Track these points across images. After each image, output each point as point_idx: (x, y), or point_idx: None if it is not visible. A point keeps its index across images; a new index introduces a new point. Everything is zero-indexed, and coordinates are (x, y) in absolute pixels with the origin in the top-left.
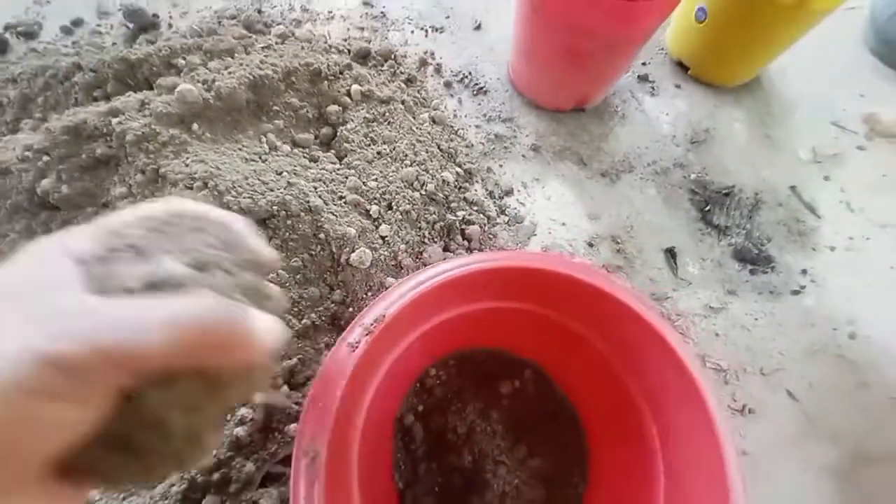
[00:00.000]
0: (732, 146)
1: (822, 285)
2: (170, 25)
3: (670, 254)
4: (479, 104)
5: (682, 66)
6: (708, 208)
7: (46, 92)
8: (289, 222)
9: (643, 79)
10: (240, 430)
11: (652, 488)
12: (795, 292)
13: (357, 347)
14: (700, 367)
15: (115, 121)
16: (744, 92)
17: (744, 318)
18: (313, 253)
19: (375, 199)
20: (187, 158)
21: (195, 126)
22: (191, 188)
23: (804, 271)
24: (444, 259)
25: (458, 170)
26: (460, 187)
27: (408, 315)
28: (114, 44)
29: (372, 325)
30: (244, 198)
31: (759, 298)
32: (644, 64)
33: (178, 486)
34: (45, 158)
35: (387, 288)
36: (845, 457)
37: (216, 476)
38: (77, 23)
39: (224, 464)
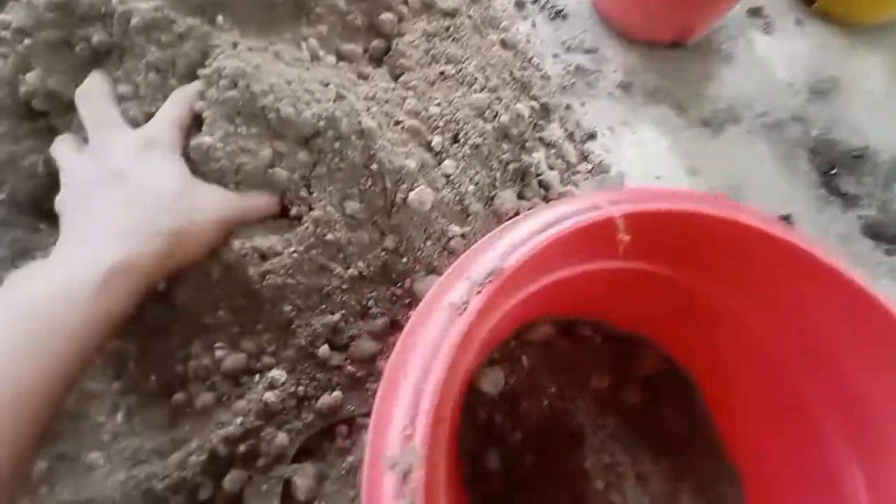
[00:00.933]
0: (867, 98)
1: None
2: None
3: (786, 223)
4: (557, 30)
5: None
6: (833, 172)
7: None
8: (337, 145)
9: (755, 13)
10: (270, 395)
11: None
12: None
13: (465, 310)
14: None
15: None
16: (885, 32)
17: None
18: (363, 188)
19: (438, 128)
20: (213, 51)
21: (220, 19)
22: (215, 85)
23: None
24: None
25: (534, 103)
26: (536, 125)
27: (529, 268)
28: None
29: (486, 279)
30: (285, 104)
31: None
32: None
33: (197, 456)
34: (27, 42)
35: (450, 239)
36: None
37: (242, 448)
38: None
39: (252, 433)
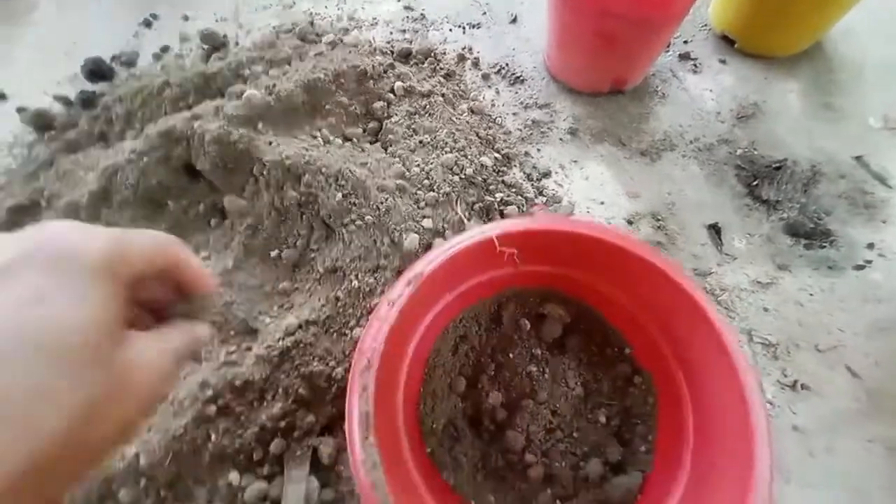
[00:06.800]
0: (786, 118)
1: (893, 259)
2: (236, 43)
3: (714, 229)
4: (517, 93)
5: (727, 41)
6: (756, 183)
7: (144, 108)
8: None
9: (685, 57)
10: (302, 390)
11: (682, 444)
12: (859, 267)
13: (395, 303)
14: (724, 320)
15: (196, 124)
16: (801, 60)
17: (796, 293)
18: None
19: (418, 183)
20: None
21: (260, 125)
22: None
23: (871, 245)
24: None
25: (497, 155)
26: (499, 171)
27: (444, 272)
28: (192, 64)
29: (410, 281)
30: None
31: (815, 273)
32: (686, 42)
33: (252, 429)
34: (145, 159)
35: None
36: None
37: (283, 423)
38: (165, 49)
39: (289, 414)
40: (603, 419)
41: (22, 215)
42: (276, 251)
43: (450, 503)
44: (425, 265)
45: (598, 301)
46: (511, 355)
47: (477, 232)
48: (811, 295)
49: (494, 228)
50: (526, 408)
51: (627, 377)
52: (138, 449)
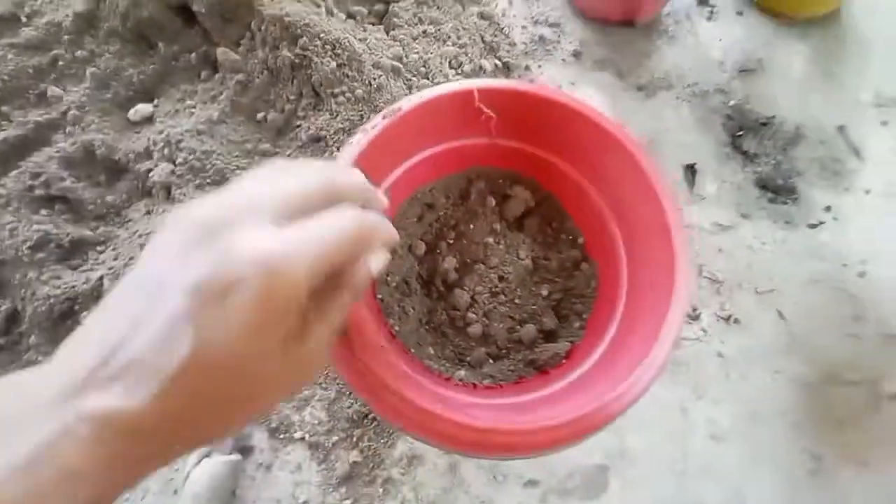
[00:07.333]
0: (785, 79)
1: (844, 224)
2: None
3: (690, 170)
4: (530, 7)
5: None
6: (740, 134)
7: None
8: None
9: (703, 2)
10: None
11: (611, 319)
12: (813, 226)
13: (368, 132)
14: (673, 204)
15: None
16: (815, 26)
17: (751, 240)
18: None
19: (414, 69)
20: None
21: None
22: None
23: (828, 208)
24: None
25: (497, 62)
26: (496, 77)
27: (421, 119)
28: None
29: (386, 115)
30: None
31: (773, 226)
32: None
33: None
34: None
35: None
36: (818, 374)
37: None
38: None
39: None
40: (545, 293)
41: None
42: (263, 113)
43: (392, 344)
44: (404, 103)
45: (563, 189)
46: (472, 226)
47: (459, 84)
48: (763, 244)
49: (476, 82)
50: (476, 271)
51: (576, 262)
52: None
